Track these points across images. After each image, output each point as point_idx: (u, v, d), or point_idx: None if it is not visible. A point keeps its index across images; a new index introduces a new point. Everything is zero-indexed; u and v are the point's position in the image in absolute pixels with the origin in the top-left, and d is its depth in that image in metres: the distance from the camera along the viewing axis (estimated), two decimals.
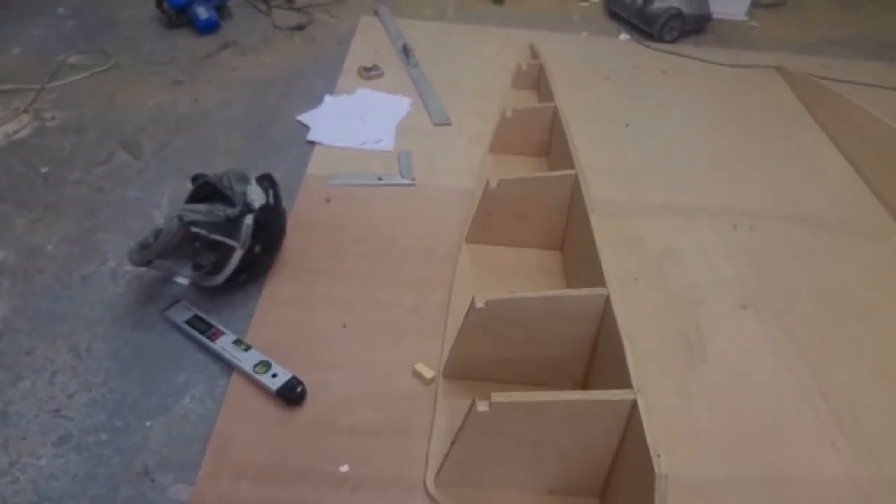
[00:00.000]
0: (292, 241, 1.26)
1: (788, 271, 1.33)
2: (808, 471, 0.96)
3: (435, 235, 1.34)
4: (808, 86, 2.01)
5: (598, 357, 0.95)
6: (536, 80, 1.86)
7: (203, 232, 1.07)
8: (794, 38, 2.43)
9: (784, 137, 1.80)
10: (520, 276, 1.25)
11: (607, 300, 0.91)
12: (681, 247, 1.36)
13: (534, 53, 2.03)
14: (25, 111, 1.63)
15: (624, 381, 0.80)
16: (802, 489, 0.94)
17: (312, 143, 1.60)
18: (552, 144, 1.55)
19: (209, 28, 2.07)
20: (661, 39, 2.28)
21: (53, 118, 1.62)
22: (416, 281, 1.23)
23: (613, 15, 2.47)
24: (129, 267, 1.18)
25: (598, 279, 0.99)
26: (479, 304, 0.91)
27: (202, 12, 2.05)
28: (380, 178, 1.50)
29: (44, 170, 1.44)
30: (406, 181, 1.50)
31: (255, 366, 1.00)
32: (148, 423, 0.95)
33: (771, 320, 1.21)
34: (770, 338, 1.17)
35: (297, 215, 1.34)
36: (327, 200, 1.41)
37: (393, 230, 1.35)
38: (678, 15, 2.25)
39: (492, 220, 1.28)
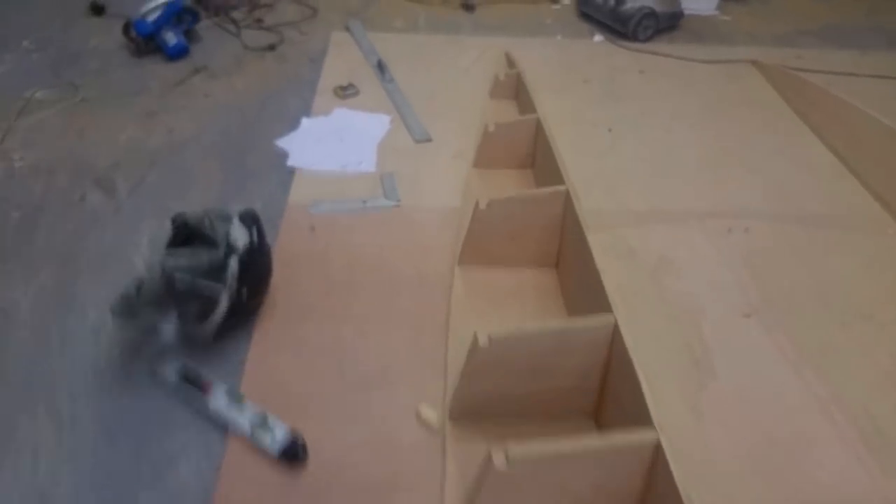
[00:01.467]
0: (279, 276, 1.20)
1: (788, 274, 1.31)
2: (837, 490, 0.92)
3: (425, 259, 1.30)
4: (784, 78, 2.01)
5: (609, 386, 0.92)
6: (515, 89, 1.83)
7: (187, 278, 1.02)
8: (765, 30, 2.43)
9: (766, 132, 1.79)
10: (517, 299, 1.21)
11: (615, 327, 0.88)
12: (676, 256, 1.34)
13: (510, 62, 1.99)
14: None
15: (641, 416, 0.77)
16: None
17: (293, 168, 1.55)
18: (537, 156, 1.52)
19: (179, 54, 2.01)
20: (635, 39, 2.26)
21: (22, 159, 1.55)
22: (409, 311, 1.19)
23: (586, 16, 2.45)
24: (110, 319, 1.12)
25: (600, 300, 0.96)
26: (483, 342, 0.88)
27: (171, 38, 1.99)
28: (364, 202, 1.46)
29: (15, 216, 1.38)
30: (391, 203, 1.46)
31: (253, 425, 0.95)
32: (141, 498, 0.90)
33: (776, 328, 1.18)
34: (777, 347, 1.14)
35: (282, 248, 1.30)
36: (312, 229, 1.37)
37: (381, 257, 1.31)
38: (651, 14, 2.24)
39: (483, 242, 1.25)
